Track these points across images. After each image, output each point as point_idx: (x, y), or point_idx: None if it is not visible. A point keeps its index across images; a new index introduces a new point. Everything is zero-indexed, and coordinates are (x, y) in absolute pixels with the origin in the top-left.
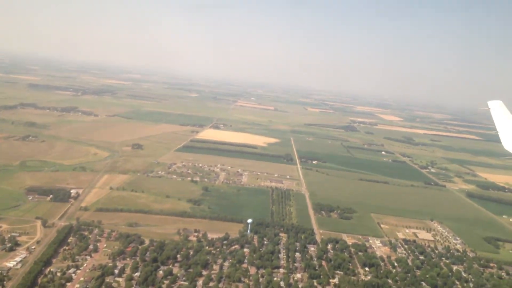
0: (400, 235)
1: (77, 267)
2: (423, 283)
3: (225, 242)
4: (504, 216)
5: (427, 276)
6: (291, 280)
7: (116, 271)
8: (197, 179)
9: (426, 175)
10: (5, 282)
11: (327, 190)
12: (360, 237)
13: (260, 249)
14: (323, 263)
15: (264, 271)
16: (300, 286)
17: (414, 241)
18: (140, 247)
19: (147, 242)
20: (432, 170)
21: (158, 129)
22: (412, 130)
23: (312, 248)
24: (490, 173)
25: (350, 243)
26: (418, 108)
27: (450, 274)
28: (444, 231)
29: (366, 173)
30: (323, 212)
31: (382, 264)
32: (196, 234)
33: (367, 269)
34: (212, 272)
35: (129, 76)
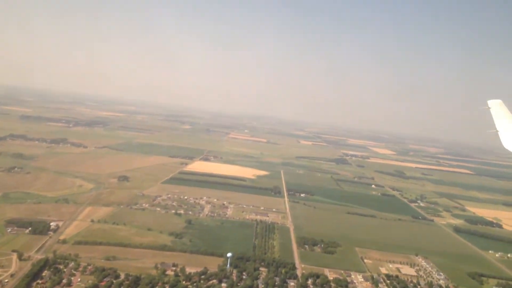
0: (383, 270)
1: None
2: None
3: (202, 276)
4: (490, 252)
5: None
6: None
7: None
8: (182, 211)
9: (414, 209)
10: None
11: (313, 224)
12: (342, 272)
13: (238, 284)
14: None
15: None
16: None
17: (397, 276)
18: (114, 281)
19: (122, 276)
20: (421, 204)
21: (147, 161)
22: (404, 163)
23: (292, 283)
24: (479, 207)
25: (331, 278)
26: (412, 142)
27: None
28: (428, 266)
29: (354, 206)
30: (306, 246)
31: None
32: (174, 268)
33: None
34: None
35: (124, 108)
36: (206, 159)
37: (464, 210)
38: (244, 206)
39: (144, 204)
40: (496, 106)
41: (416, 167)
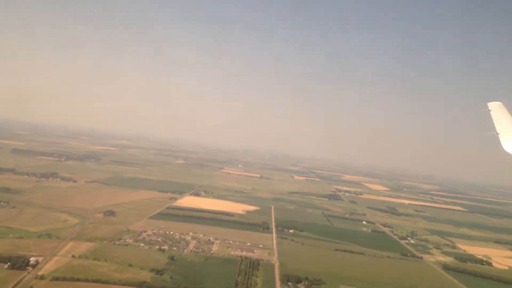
0: None
1: None
2: None
3: None
4: None
5: None
6: None
7: None
8: (166, 247)
9: (404, 246)
10: None
11: (299, 260)
12: None
13: None
14: None
15: None
16: None
17: None
18: None
19: None
20: (412, 241)
21: (136, 195)
22: (397, 200)
23: None
24: (470, 245)
25: None
26: (406, 178)
27: None
28: None
29: (343, 243)
30: (290, 283)
31: None
32: None
33: None
34: None
35: (117, 142)
36: (197, 194)
37: (454, 247)
38: (231, 242)
39: (128, 240)
40: (496, 109)
41: (409, 204)
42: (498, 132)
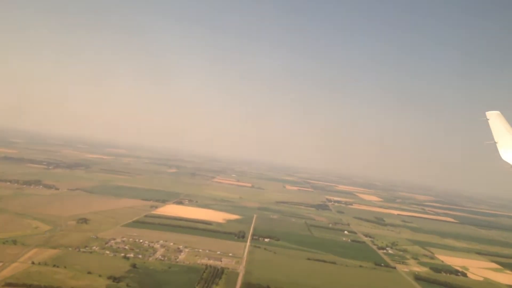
0: None
1: None
2: None
3: None
4: None
5: None
6: None
7: None
8: (131, 255)
9: (380, 256)
10: None
11: (266, 269)
12: None
13: None
14: None
15: None
16: None
17: None
18: None
19: None
20: (390, 251)
21: (116, 203)
22: (387, 210)
23: None
24: (450, 255)
25: None
26: (404, 189)
27: None
28: None
29: (318, 252)
30: None
31: None
32: None
33: None
34: None
35: (114, 151)
36: (180, 203)
37: (433, 258)
38: (200, 250)
39: (94, 247)
40: (494, 117)
41: (398, 214)
42: (496, 141)
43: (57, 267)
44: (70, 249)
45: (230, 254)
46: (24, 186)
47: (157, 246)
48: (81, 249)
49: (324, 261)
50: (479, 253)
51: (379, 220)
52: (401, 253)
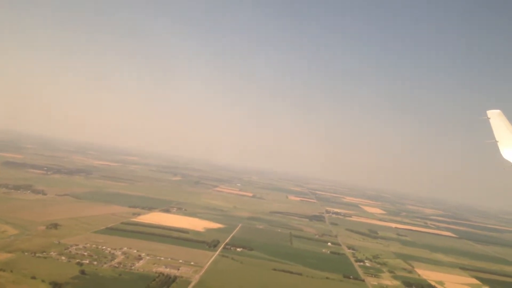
0: None
1: None
2: None
3: None
4: None
5: None
6: None
7: None
8: (86, 261)
9: (354, 268)
10: None
11: (223, 279)
12: None
13: None
14: None
15: None
16: None
17: None
18: None
19: None
20: (367, 264)
21: (100, 210)
22: (385, 223)
23: None
24: (431, 270)
25: None
26: (413, 203)
27: None
28: None
29: (288, 263)
30: None
31: None
32: None
33: None
34: None
35: (124, 158)
36: (167, 211)
37: (411, 272)
38: (162, 258)
39: (52, 253)
40: (495, 117)
41: (395, 227)
42: (497, 140)
43: (4, 271)
44: (26, 253)
45: (192, 263)
46: (12, 190)
47: (118, 253)
48: (37, 254)
49: (290, 272)
50: (463, 268)
51: (372, 233)
52: (378, 266)
